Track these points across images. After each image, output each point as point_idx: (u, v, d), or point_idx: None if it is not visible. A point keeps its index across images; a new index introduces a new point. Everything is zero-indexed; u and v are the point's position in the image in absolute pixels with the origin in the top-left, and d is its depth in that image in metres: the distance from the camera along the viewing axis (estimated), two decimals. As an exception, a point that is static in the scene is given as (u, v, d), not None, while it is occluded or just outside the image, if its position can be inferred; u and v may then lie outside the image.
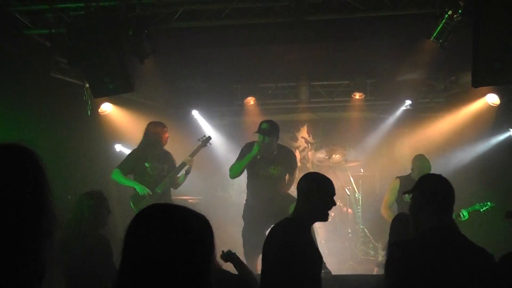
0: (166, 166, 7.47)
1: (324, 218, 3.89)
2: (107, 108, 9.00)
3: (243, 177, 10.73)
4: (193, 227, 1.75)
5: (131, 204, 7.24)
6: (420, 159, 7.51)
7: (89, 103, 7.52)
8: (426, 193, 3.32)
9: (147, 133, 7.41)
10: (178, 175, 7.57)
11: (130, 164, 7.33)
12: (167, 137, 7.50)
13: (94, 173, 8.30)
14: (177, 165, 7.55)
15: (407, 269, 3.06)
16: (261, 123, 7.13)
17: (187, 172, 7.53)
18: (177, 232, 1.70)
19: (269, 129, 7.00)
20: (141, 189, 7.08)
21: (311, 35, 7.87)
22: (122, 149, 9.58)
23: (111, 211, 5.27)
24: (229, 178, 10.57)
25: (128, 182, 7.25)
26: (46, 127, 7.21)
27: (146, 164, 7.29)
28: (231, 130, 10.71)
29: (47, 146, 6.86)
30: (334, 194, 3.88)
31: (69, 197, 8.26)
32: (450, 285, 2.99)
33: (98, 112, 8.87)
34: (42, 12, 6.56)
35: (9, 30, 6.54)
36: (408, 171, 7.60)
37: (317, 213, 3.84)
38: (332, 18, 6.81)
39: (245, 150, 7.29)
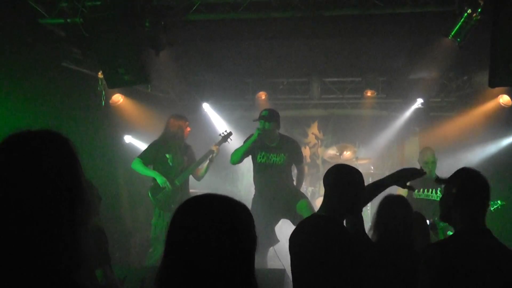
0: (186, 159, 7.52)
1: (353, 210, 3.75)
2: (118, 99, 8.97)
3: (250, 172, 10.74)
4: (240, 218, 1.73)
5: (149, 194, 7.30)
6: (423, 152, 7.48)
7: (103, 94, 7.51)
8: (464, 189, 3.14)
9: (169, 125, 7.45)
10: (200, 167, 7.63)
11: (151, 155, 7.37)
12: (189, 130, 7.56)
13: (103, 164, 8.29)
14: (198, 159, 7.62)
15: (447, 274, 2.93)
16: (261, 111, 7.08)
17: (211, 160, 7.61)
18: (226, 223, 1.68)
19: (268, 115, 6.95)
20: (161, 180, 7.12)
21: (328, 31, 7.82)
22: (132, 140, 9.56)
23: (101, 198, 5.30)
24: (238, 173, 10.61)
25: (149, 172, 7.29)
26: (57, 117, 7.18)
27: (167, 156, 7.34)
28: (241, 124, 10.64)
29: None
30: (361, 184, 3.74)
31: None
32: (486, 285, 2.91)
33: (109, 103, 8.85)
34: (58, 1, 6.53)
35: (24, 19, 6.52)
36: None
37: (347, 206, 3.68)
38: (349, 13, 6.77)
39: (247, 139, 7.27)
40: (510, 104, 9.03)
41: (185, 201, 1.77)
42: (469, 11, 6.41)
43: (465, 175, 3.23)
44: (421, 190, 7.09)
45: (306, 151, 11.20)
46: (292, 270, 3.64)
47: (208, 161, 7.61)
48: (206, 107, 10.33)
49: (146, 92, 9.53)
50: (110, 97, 8.83)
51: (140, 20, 6.41)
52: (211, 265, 1.63)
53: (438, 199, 6.94)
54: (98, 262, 4.96)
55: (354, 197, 3.64)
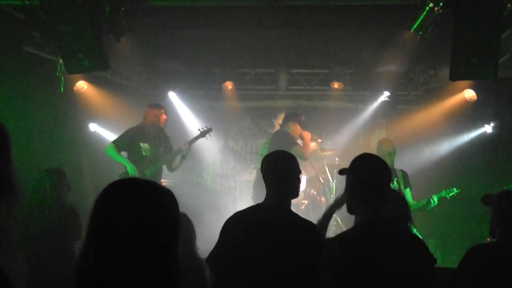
0: (162, 149, 7.46)
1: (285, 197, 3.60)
2: (82, 86, 8.85)
3: (218, 161, 10.72)
4: (164, 203, 1.70)
5: None
6: (383, 143, 7.50)
7: (62, 79, 7.38)
8: (359, 177, 3.01)
9: (146, 115, 7.42)
10: (176, 159, 7.59)
11: (126, 141, 7.31)
12: (165, 118, 7.51)
13: (68, 151, 8.19)
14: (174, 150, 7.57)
15: (350, 268, 2.81)
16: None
17: (183, 157, 7.58)
18: (148, 207, 1.65)
19: None
20: (131, 169, 7.03)
21: (290, 21, 7.81)
22: (97, 128, 9.47)
23: (70, 188, 5.28)
24: (204, 164, 10.53)
25: (120, 159, 7.22)
26: (18, 103, 7.06)
27: (141, 144, 7.29)
28: (208, 114, 10.62)
29: (19, 123, 6.75)
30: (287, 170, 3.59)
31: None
32: (393, 280, 2.80)
33: (73, 90, 8.72)
34: (15, -20, 6.38)
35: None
36: None
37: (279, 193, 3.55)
38: (313, 4, 6.75)
39: None
40: (475, 98, 9.13)
41: (106, 187, 1.73)
42: (431, 5, 6.46)
43: (360, 161, 3.11)
44: None
45: (272, 142, 11.18)
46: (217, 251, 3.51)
47: (180, 156, 7.59)
48: (172, 96, 10.24)
49: (112, 80, 9.42)
50: (74, 84, 8.71)
51: (100, 5, 6.31)
52: (132, 251, 1.59)
53: (396, 189, 7.05)
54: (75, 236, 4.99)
55: (283, 184, 3.53)
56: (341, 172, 3.16)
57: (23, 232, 4.92)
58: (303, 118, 8.26)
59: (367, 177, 2.99)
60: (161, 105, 7.61)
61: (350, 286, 2.81)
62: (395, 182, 7.16)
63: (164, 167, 7.63)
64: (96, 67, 6.45)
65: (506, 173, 8.25)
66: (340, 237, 2.99)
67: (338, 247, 2.88)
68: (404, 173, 7.36)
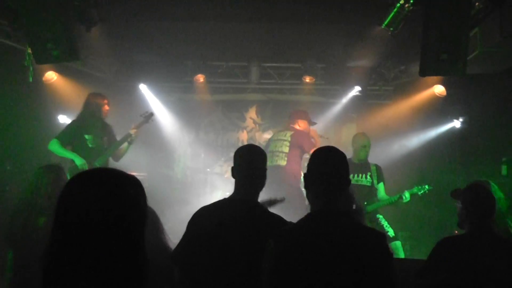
0: (106, 139, 7.28)
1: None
2: (51, 77, 8.73)
3: (189, 154, 10.68)
4: (127, 191, 1.70)
5: (68, 177, 6.99)
6: (358, 136, 7.60)
7: (31, 69, 7.24)
8: (314, 170, 2.96)
9: (87, 104, 7.21)
10: (120, 148, 7.38)
11: (69, 135, 7.05)
12: (108, 109, 7.31)
13: (36, 143, 8.07)
14: (118, 139, 7.39)
15: (284, 261, 2.74)
16: None
17: (130, 143, 7.38)
18: (111, 195, 1.65)
19: None
20: (80, 162, 6.81)
21: (262, 15, 7.81)
22: (67, 120, 9.33)
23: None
24: (175, 156, 10.47)
25: (67, 154, 6.94)
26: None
27: (86, 136, 7.07)
28: (179, 107, 10.60)
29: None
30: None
31: (8, 167, 8.07)
32: (333, 270, 2.69)
33: (43, 80, 8.60)
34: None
35: None
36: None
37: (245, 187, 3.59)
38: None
39: None
40: (445, 94, 9.27)
41: (73, 177, 1.73)
42: (401, 1, 6.51)
43: (314, 155, 3.06)
44: (351, 175, 7.18)
45: (243, 135, 11.21)
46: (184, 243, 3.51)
47: (127, 143, 7.40)
48: (143, 88, 10.17)
49: (82, 71, 9.31)
50: (43, 74, 8.59)
51: (70, -6, 6.22)
52: (97, 240, 1.60)
53: (369, 184, 7.13)
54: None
55: (251, 178, 3.56)
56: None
57: (12, 228, 4.80)
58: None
59: (318, 170, 2.95)
60: (104, 95, 7.38)
61: (284, 279, 2.73)
62: (368, 177, 7.22)
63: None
64: (66, 57, 6.34)
65: (474, 167, 8.42)
66: (278, 232, 2.95)
67: (272, 242, 2.82)
68: (378, 168, 7.42)
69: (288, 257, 2.74)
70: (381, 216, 7.09)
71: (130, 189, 1.71)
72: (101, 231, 1.60)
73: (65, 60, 6.53)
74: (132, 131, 7.35)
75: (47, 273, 1.61)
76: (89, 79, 9.39)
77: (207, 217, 3.49)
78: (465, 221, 3.91)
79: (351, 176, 7.02)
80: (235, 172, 3.60)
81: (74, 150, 7.02)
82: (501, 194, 5.12)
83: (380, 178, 7.34)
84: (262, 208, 3.56)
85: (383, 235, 2.89)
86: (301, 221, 2.92)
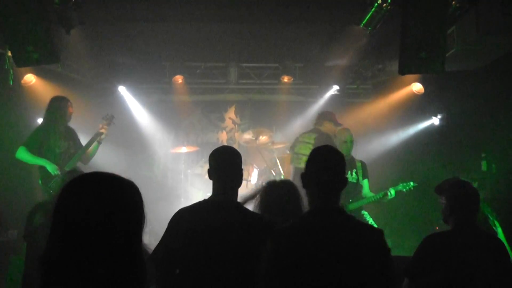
0: (72, 143, 7.16)
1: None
2: (30, 80, 8.63)
3: (168, 156, 10.66)
4: (126, 194, 1.73)
5: (40, 183, 6.89)
6: (342, 132, 7.58)
7: (11, 72, 7.16)
8: (312, 169, 2.97)
9: (50, 109, 7.08)
10: (89, 149, 7.24)
11: (37, 142, 6.91)
12: (71, 112, 7.17)
13: (15, 145, 7.98)
14: (84, 141, 7.28)
15: (289, 258, 2.78)
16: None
17: (100, 142, 7.29)
18: (111, 198, 1.67)
19: None
20: (52, 168, 6.69)
21: (240, 15, 7.83)
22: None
23: None
24: (155, 158, 10.43)
25: (37, 161, 6.81)
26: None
27: (52, 142, 6.95)
28: (158, 108, 10.56)
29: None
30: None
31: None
32: (333, 266, 2.74)
33: (21, 83, 8.51)
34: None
35: None
36: None
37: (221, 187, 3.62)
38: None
39: None
40: (423, 91, 9.37)
41: (70, 181, 1.74)
42: (379, 1, 6.58)
43: (314, 154, 3.08)
44: None
45: (223, 136, 11.21)
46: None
47: (96, 143, 7.29)
48: (122, 90, 10.12)
49: (61, 73, 9.23)
50: (22, 77, 8.50)
51: (49, -4, 6.17)
52: (95, 244, 1.61)
53: (354, 180, 7.18)
54: None
55: (230, 178, 3.59)
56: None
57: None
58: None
59: (316, 169, 2.97)
60: (67, 98, 7.24)
61: (283, 277, 2.76)
62: (353, 173, 7.26)
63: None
64: (46, 60, 6.27)
65: (453, 163, 8.54)
66: (276, 230, 2.97)
67: (270, 240, 2.85)
68: (363, 165, 7.46)
69: (286, 255, 2.76)
70: (366, 213, 7.14)
71: (128, 192, 1.74)
72: (99, 232, 1.61)
73: (46, 62, 6.46)
74: (103, 130, 7.26)
75: (46, 272, 1.62)
76: (68, 81, 9.31)
77: (188, 219, 3.50)
78: (449, 216, 3.96)
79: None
80: (211, 174, 3.61)
81: (43, 156, 6.88)
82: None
83: (365, 175, 7.39)
84: (243, 208, 3.59)
85: (380, 231, 2.92)
86: (299, 219, 2.96)
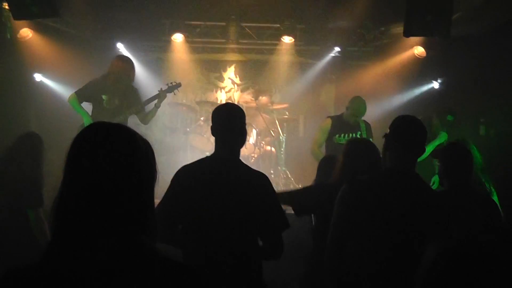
0: (126, 103, 7.17)
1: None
2: (27, 34, 8.51)
3: (167, 114, 10.62)
4: (138, 144, 1.72)
5: None
6: (357, 101, 7.44)
7: (9, 25, 7.06)
8: (396, 132, 3.24)
9: (112, 66, 7.10)
10: (148, 111, 7.34)
11: (87, 93, 7.01)
12: (134, 74, 7.26)
13: (12, 101, 7.93)
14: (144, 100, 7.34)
15: (354, 208, 3.04)
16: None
17: (157, 106, 7.34)
18: (123, 146, 1.67)
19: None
20: (87, 121, 6.78)
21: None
22: (43, 79, 9.19)
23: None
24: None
25: (79, 110, 6.94)
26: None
27: (103, 96, 7.02)
28: (156, 66, 10.47)
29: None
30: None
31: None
32: (396, 225, 2.99)
33: (17, 37, 8.39)
34: None
35: None
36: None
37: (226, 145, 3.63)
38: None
39: None
40: (425, 55, 9.31)
41: (83, 129, 1.73)
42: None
43: (399, 120, 3.30)
44: (342, 135, 7.18)
45: (222, 96, 11.15)
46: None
47: (154, 106, 7.34)
48: (121, 47, 9.99)
49: (58, 28, 9.10)
50: (18, 31, 8.38)
51: None
52: (108, 192, 1.61)
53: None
54: (30, 203, 4.87)
55: (232, 136, 3.58)
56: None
57: None
58: None
59: (400, 136, 3.21)
60: (129, 58, 7.33)
61: (350, 225, 3.06)
62: (358, 135, 7.24)
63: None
64: (45, 13, 6.20)
65: (451, 126, 8.54)
66: (355, 180, 3.27)
67: (347, 187, 3.14)
68: (367, 125, 7.40)
69: (357, 203, 3.07)
70: None
71: (141, 143, 1.74)
72: (110, 179, 1.62)
73: (44, 16, 6.40)
74: (161, 92, 7.34)
75: (58, 218, 1.63)
76: (65, 37, 9.19)
77: (191, 176, 3.52)
78: (444, 178, 4.06)
79: (342, 135, 7.07)
80: (214, 131, 3.61)
81: (92, 108, 7.04)
82: (477, 154, 5.25)
83: (369, 136, 7.36)
84: (245, 166, 3.60)
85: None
86: (376, 175, 3.29)
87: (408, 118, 3.31)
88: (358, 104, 7.30)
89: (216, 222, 3.35)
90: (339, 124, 7.27)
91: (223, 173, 3.47)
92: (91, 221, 1.59)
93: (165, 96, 7.41)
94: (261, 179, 3.52)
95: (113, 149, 1.65)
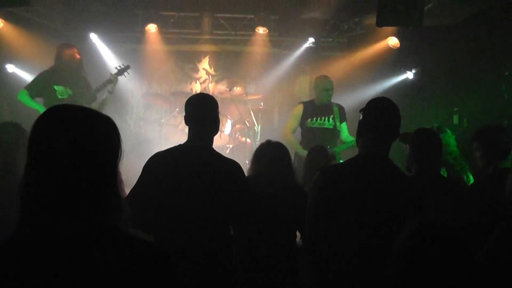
0: (79, 92, 7.07)
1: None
2: (-3, 24, 8.41)
3: (142, 105, 10.57)
4: (98, 127, 1.71)
5: None
6: (320, 78, 7.54)
7: (-22, 15, 6.96)
8: (368, 117, 3.17)
9: (60, 55, 7.00)
10: (104, 97, 7.23)
11: (38, 86, 6.89)
12: (78, 58, 7.09)
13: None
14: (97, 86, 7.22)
15: (328, 195, 3.02)
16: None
17: (110, 92, 7.23)
18: (81, 133, 1.65)
19: None
20: None
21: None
22: (15, 70, 9.07)
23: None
24: (127, 107, 10.30)
25: (35, 105, 6.76)
26: None
27: (55, 87, 6.90)
28: (131, 57, 10.33)
29: None
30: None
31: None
32: (370, 210, 2.97)
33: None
34: None
35: None
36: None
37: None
38: None
39: None
40: (398, 46, 9.37)
41: (44, 112, 1.73)
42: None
43: (372, 103, 3.25)
44: (314, 119, 7.24)
45: (196, 87, 11.12)
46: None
47: (107, 92, 7.24)
48: (94, 37, 9.88)
49: (30, 18, 8.98)
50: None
51: None
52: (69, 176, 1.61)
53: (331, 126, 7.21)
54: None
55: (205, 124, 3.63)
56: (360, 110, 3.28)
57: None
58: None
59: (372, 119, 3.16)
60: (73, 44, 7.22)
61: (325, 211, 3.02)
62: (330, 119, 7.27)
63: None
64: (14, 2, 6.09)
65: (425, 116, 8.63)
66: (327, 167, 3.36)
67: (319, 175, 3.11)
68: (340, 108, 7.43)
69: (331, 189, 3.04)
70: (341, 160, 7.20)
71: (100, 125, 1.72)
72: (71, 165, 1.61)
73: (13, 5, 6.28)
74: (113, 77, 7.23)
75: (22, 203, 1.64)
76: (37, 27, 9.08)
77: (163, 162, 3.56)
78: (412, 163, 4.10)
79: (314, 119, 7.15)
80: (187, 120, 3.65)
81: (45, 101, 6.85)
82: (453, 141, 5.33)
83: (342, 118, 7.38)
84: (217, 154, 3.64)
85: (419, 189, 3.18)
86: (349, 160, 3.22)
87: (380, 103, 3.24)
88: (321, 80, 7.45)
89: (187, 208, 3.39)
90: (311, 108, 7.36)
91: (195, 161, 3.51)
92: (53, 202, 1.60)
93: (116, 80, 7.31)
94: (232, 167, 3.58)
95: (71, 129, 1.64)
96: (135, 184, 3.53)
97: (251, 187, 3.67)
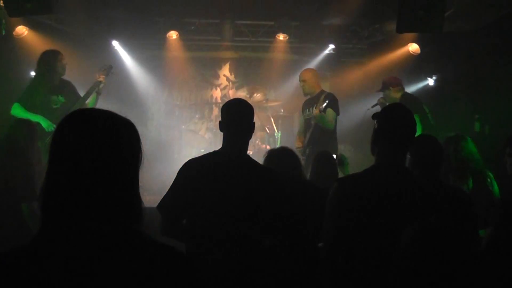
0: (68, 97, 6.92)
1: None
2: (22, 31, 8.51)
3: (163, 111, 10.65)
4: (120, 131, 1.70)
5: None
6: (301, 75, 7.74)
7: (4, 22, 7.02)
8: (385, 125, 3.06)
9: (41, 63, 6.80)
10: (87, 101, 7.04)
11: (30, 97, 6.67)
12: (64, 64, 6.88)
13: (9, 98, 7.91)
14: (84, 92, 7.08)
15: (349, 206, 2.92)
16: None
17: (99, 93, 7.10)
18: (105, 137, 1.66)
19: None
20: (46, 124, 6.47)
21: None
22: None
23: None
24: (148, 114, 10.37)
25: (32, 117, 6.35)
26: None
27: (47, 96, 6.75)
28: (152, 64, 10.50)
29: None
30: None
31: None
32: (388, 221, 2.88)
33: (13, 35, 8.39)
34: None
35: None
36: None
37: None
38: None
39: None
40: (419, 52, 9.33)
41: (67, 116, 1.72)
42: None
43: (389, 109, 3.19)
44: (306, 110, 7.45)
45: (216, 93, 11.17)
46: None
47: (95, 93, 7.08)
48: (116, 45, 10.00)
49: (53, 26, 9.11)
50: (14, 29, 8.39)
51: None
52: (94, 180, 1.61)
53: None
54: (25, 196, 4.88)
55: (241, 131, 3.58)
56: (373, 116, 3.18)
57: None
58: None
59: (388, 127, 3.04)
60: (58, 51, 6.95)
61: (341, 222, 2.93)
62: (314, 107, 7.23)
63: None
64: (40, 10, 6.19)
65: (446, 123, 8.57)
66: (344, 177, 3.29)
67: (336, 184, 3.01)
68: (326, 96, 7.27)
69: (351, 200, 2.91)
70: (348, 162, 7.13)
71: (122, 129, 1.72)
72: (95, 169, 1.61)
73: (39, 13, 6.39)
74: (101, 78, 7.09)
75: (44, 206, 1.63)
76: (60, 34, 9.19)
77: (197, 169, 3.50)
78: (413, 171, 4.03)
79: (305, 111, 7.32)
80: (223, 126, 3.60)
81: (39, 112, 6.63)
82: (474, 149, 5.26)
83: (327, 106, 7.05)
84: (253, 161, 3.59)
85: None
86: (366, 170, 3.07)
87: (397, 112, 3.13)
88: (302, 74, 7.73)
89: (222, 217, 3.34)
90: (305, 103, 7.65)
91: (231, 168, 3.45)
92: (78, 207, 1.59)
93: (105, 81, 7.18)
94: (270, 174, 3.56)
95: (95, 133, 1.64)
96: (168, 191, 3.48)
97: (289, 195, 3.65)
